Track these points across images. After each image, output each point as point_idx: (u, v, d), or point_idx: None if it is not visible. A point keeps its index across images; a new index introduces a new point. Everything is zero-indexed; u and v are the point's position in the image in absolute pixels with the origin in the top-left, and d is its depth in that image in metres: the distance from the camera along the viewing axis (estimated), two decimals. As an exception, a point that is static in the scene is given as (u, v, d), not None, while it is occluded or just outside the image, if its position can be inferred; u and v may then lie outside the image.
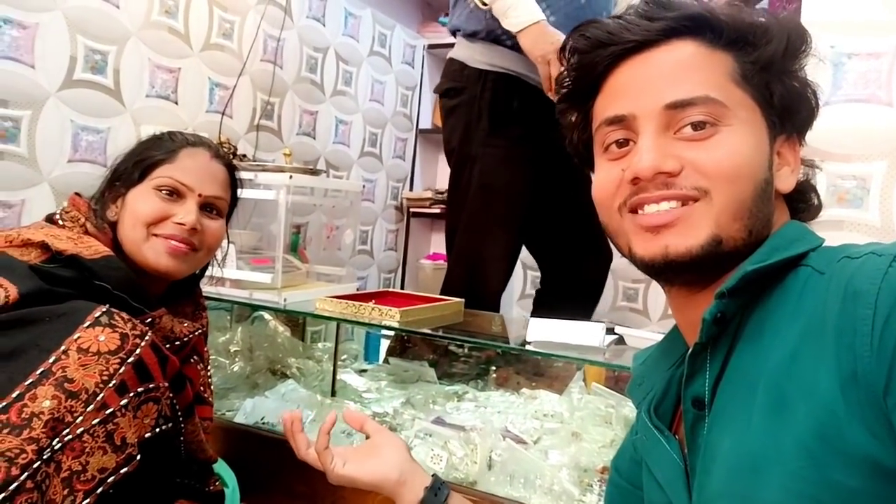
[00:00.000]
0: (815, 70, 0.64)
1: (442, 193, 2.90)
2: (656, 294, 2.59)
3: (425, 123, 2.99)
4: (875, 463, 0.46)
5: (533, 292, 2.67)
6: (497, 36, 1.73)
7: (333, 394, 1.93)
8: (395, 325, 1.47)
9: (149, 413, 0.85)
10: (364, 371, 2.19)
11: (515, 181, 1.80)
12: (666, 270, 0.59)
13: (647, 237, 0.59)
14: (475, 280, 1.88)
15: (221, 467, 1.31)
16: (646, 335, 1.36)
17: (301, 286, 1.85)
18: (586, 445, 1.56)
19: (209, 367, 1.22)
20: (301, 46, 2.27)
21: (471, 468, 1.41)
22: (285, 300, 1.64)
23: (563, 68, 0.69)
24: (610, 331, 1.36)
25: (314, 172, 1.71)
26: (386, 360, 2.31)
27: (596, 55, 0.63)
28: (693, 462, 0.60)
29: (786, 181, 0.62)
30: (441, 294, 2.04)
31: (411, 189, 2.98)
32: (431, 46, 2.94)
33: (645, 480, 0.71)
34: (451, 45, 2.83)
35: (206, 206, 1.06)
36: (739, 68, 0.59)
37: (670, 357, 0.70)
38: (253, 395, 1.78)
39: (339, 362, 2.02)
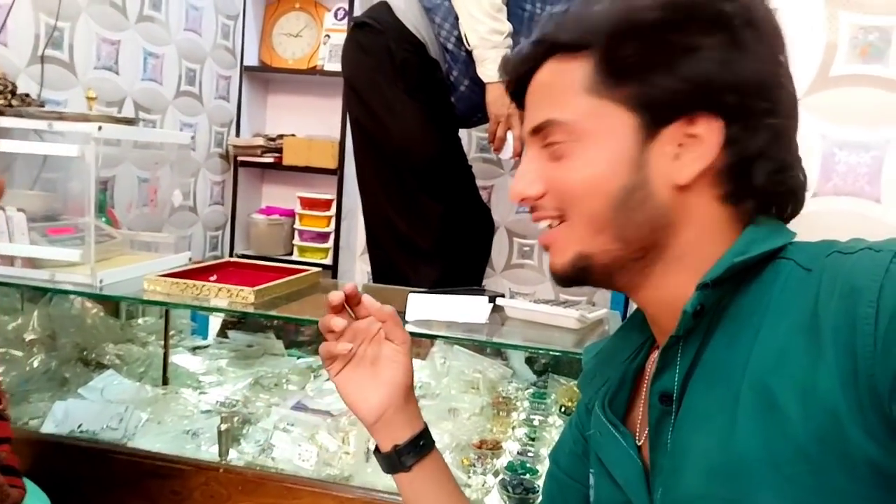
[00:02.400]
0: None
1: (274, 140, 2.61)
2: None
3: (251, 59, 2.65)
4: (877, 468, 0.44)
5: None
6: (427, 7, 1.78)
7: (165, 381, 1.66)
8: (251, 309, 1.25)
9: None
10: (199, 349, 1.92)
11: (435, 142, 1.84)
12: (559, 283, 0.62)
13: None
14: (412, 229, 1.88)
15: (30, 490, 1.02)
16: (526, 306, 1.29)
17: (117, 260, 1.54)
18: (460, 419, 1.49)
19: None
20: (94, -42, 1.84)
21: (345, 462, 1.27)
22: (101, 282, 1.34)
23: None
24: (491, 300, 1.27)
25: (129, 122, 1.39)
26: (222, 334, 2.06)
27: (508, 80, 0.66)
28: (655, 459, 0.58)
29: (687, 169, 0.55)
30: (370, 254, 2.01)
31: (238, 135, 2.64)
32: (254, -30, 2.58)
33: (596, 477, 0.69)
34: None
35: None
36: (595, 74, 0.57)
37: (625, 350, 0.69)
38: (63, 395, 1.47)
39: (169, 342, 1.74)
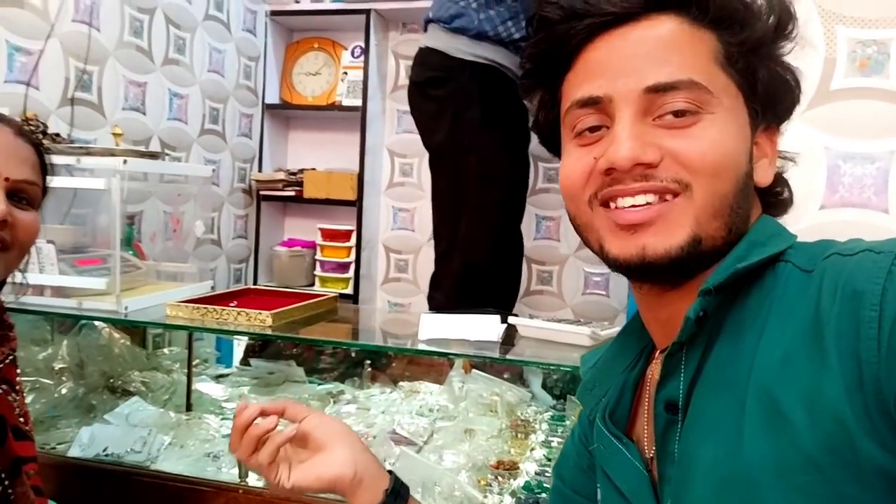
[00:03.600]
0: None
1: (295, 174, 2.68)
2: (569, 277, 2.59)
3: (272, 98, 2.74)
4: (888, 476, 0.43)
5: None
6: (487, 36, 1.82)
7: (189, 408, 1.70)
8: (268, 330, 1.28)
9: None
10: (222, 377, 1.96)
11: (513, 169, 1.89)
12: (642, 272, 0.55)
13: (623, 235, 0.55)
14: (478, 269, 1.92)
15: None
16: (538, 324, 1.30)
17: (142, 289, 1.59)
18: (478, 440, 1.50)
19: (23, 394, 0.98)
20: (121, 5, 1.94)
21: (362, 483, 1.28)
22: (126, 308, 1.38)
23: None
24: (503, 320, 1.29)
25: (153, 156, 1.45)
26: (245, 362, 2.09)
27: (569, 27, 0.56)
28: (663, 470, 0.57)
29: (764, 174, 0.58)
30: (433, 282, 2.03)
31: (260, 170, 2.72)
32: (275, 13, 2.68)
33: (603, 490, 0.66)
34: (296, 13, 2.64)
35: (15, 194, 0.86)
36: (724, 50, 0.55)
37: (624, 359, 0.67)
38: (89, 421, 1.51)
39: (192, 369, 1.78)
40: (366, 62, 2.56)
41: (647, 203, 0.53)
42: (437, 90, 1.91)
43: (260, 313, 1.30)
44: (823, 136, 1.14)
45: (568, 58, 0.58)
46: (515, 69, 1.86)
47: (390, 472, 0.76)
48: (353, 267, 2.63)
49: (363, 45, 2.59)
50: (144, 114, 2.07)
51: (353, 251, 2.62)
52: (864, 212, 1.15)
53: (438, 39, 1.89)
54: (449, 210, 2.00)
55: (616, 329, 1.37)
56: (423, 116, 2.00)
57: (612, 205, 0.55)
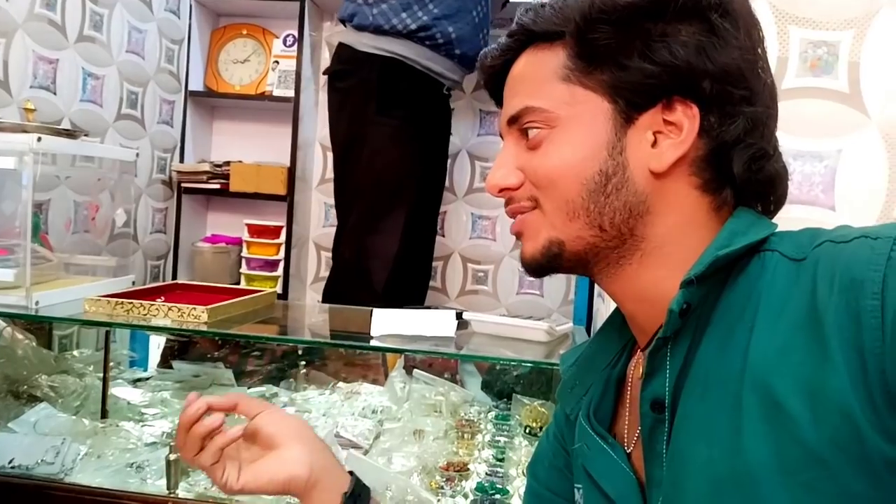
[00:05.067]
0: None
1: (220, 166, 2.53)
2: (504, 276, 2.56)
3: (196, 84, 2.58)
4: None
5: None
6: (384, 30, 1.85)
7: (104, 415, 1.55)
8: (203, 327, 1.18)
9: None
10: (140, 380, 1.80)
11: (404, 159, 1.88)
12: (530, 272, 0.61)
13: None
14: (363, 258, 1.91)
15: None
16: (494, 319, 1.26)
17: (54, 283, 1.44)
18: (426, 442, 1.44)
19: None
20: (31, -26, 1.76)
21: (306, 490, 1.19)
22: (37, 304, 1.24)
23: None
24: (458, 316, 1.24)
25: (71, 135, 1.31)
26: (165, 364, 1.94)
27: (485, 79, 0.66)
28: (651, 471, 0.55)
29: (664, 156, 0.55)
30: (330, 278, 2.05)
31: (181, 160, 2.55)
32: (199, -5, 2.53)
33: (585, 490, 0.64)
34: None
35: None
36: (569, 61, 0.57)
37: (604, 356, 0.67)
38: (-10, 430, 1.34)
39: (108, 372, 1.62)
40: (299, 52, 2.45)
41: (519, 217, 0.61)
42: (341, 83, 1.96)
43: (194, 309, 1.19)
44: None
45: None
46: (424, 60, 1.89)
47: (350, 472, 0.73)
48: (282, 265, 2.51)
49: (296, 34, 2.48)
50: (55, 93, 1.89)
51: (283, 248, 2.50)
52: (813, 209, 1.17)
53: (348, 35, 1.96)
54: (340, 204, 2.01)
55: (567, 325, 1.35)
56: (330, 110, 2.03)
57: None
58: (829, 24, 1.15)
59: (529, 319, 1.27)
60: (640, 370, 0.60)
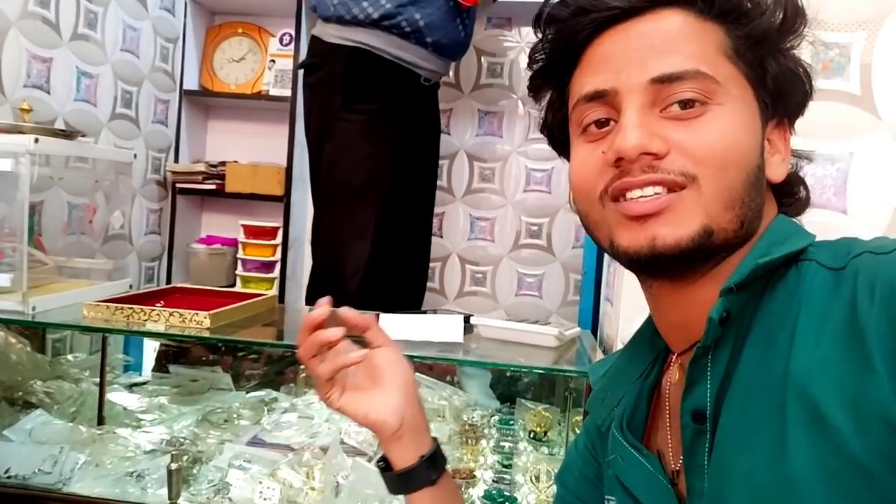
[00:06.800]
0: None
1: (216, 167, 2.50)
2: (503, 278, 2.54)
3: (191, 83, 2.54)
4: None
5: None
6: (347, 20, 1.77)
7: (101, 421, 1.52)
8: (206, 333, 1.15)
9: None
10: (136, 385, 1.77)
11: (373, 155, 1.78)
12: (652, 264, 0.53)
13: (632, 227, 0.53)
14: (337, 261, 1.84)
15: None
16: (502, 324, 1.24)
17: (50, 287, 1.41)
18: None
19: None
20: (24, -29, 1.73)
21: (312, 498, 1.17)
22: (34, 309, 1.21)
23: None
24: (465, 319, 1.22)
25: (68, 136, 1.28)
26: (161, 368, 1.91)
27: (576, 23, 0.57)
28: (692, 484, 0.54)
29: (777, 170, 0.57)
30: (308, 280, 1.98)
31: (176, 160, 2.52)
32: (194, -7, 2.50)
33: (620, 502, 0.64)
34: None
35: None
36: (731, 42, 0.54)
37: (636, 367, 0.66)
38: (-15, 438, 1.31)
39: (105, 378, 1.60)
40: (296, 51, 2.42)
41: (656, 193, 0.52)
42: (310, 77, 1.88)
43: (196, 314, 1.17)
44: (788, 137, 1.16)
45: (574, 54, 0.58)
46: (393, 49, 1.78)
47: (434, 438, 0.74)
48: (278, 266, 2.48)
49: (293, 32, 2.45)
50: (49, 93, 1.85)
51: (279, 250, 2.47)
52: (824, 212, 1.16)
53: (318, 27, 1.89)
54: (315, 205, 1.96)
55: (575, 330, 1.33)
56: (304, 106, 1.96)
57: (622, 199, 0.54)
58: (841, 25, 1.14)
59: (536, 324, 1.25)
60: (676, 379, 0.61)
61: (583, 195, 0.58)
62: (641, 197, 0.52)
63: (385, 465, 0.73)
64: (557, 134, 0.65)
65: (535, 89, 0.65)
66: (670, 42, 0.53)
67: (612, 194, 0.55)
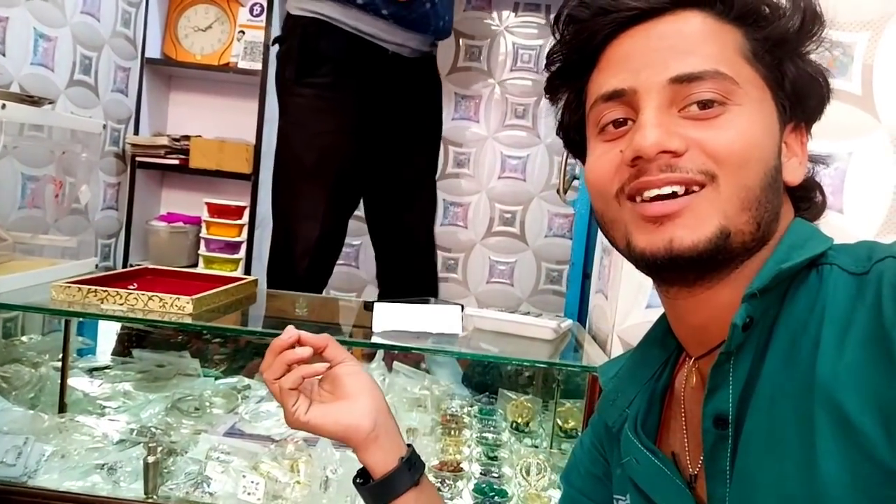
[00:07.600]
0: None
1: (179, 140, 2.39)
2: (475, 264, 2.51)
3: (153, 52, 2.41)
4: None
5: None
6: None
7: (62, 409, 1.43)
8: (188, 319, 1.09)
9: None
10: (97, 370, 1.68)
11: (325, 132, 1.70)
12: (669, 266, 0.52)
13: (649, 228, 0.53)
14: (287, 242, 1.78)
15: None
16: (498, 316, 1.22)
17: (9, 265, 1.31)
18: (419, 440, 1.39)
19: None
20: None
21: (298, 493, 1.12)
22: (-4, 289, 1.12)
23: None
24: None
25: (35, 102, 1.18)
26: (124, 352, 1.82)
27: (595, 24, 0.57)
28: (713, 490, 0.53)
29: (794, 173, 0.57)
30: (268, 260, 1.92)
31: (136, 132, 2.39)
32: (158, -45, 2.36)
33: (633, 502, 0.64)
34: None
35: None
36: (749, 44, 0.55)
37: (647, 368, 0.66)
38: (-63, 427, 1.21)
39: (57, 361, 1.50)
40: (268, 22, 2.32)
41: (674, 193, 0.52)
42: (278, 51, 1.84)
43: (178, 299, 1.10)
44: (788, 136, 1.17)
45: (593, 55, 0.58)
46: (351, 21, 1.71)
47: (409, 445, 0.75)
48: (244, 247, 2.39)
49: (264, 2, 2.35)
50: (4, 55, 1.72)
51: (246, 230, 2.38)
52: (821, 211, 1.16)
53: None
54: (273, 183, 1.90)
55: (568, 322, 1.32)
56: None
57: (639, 198, 0.53)
58: (846, 24, 1.14)
59: (528, 315, 1.23)
60: (693, 383, 0.60)
61: (599, 193, 0.58)
62: (658, 196, 0.52)
63: (363, 480, 0.73)
64: (574, 135, 0.65)
65: (552, 90, 0.65)
66: (690, 43, 0.54)
67: (628, 193, 0.54)
